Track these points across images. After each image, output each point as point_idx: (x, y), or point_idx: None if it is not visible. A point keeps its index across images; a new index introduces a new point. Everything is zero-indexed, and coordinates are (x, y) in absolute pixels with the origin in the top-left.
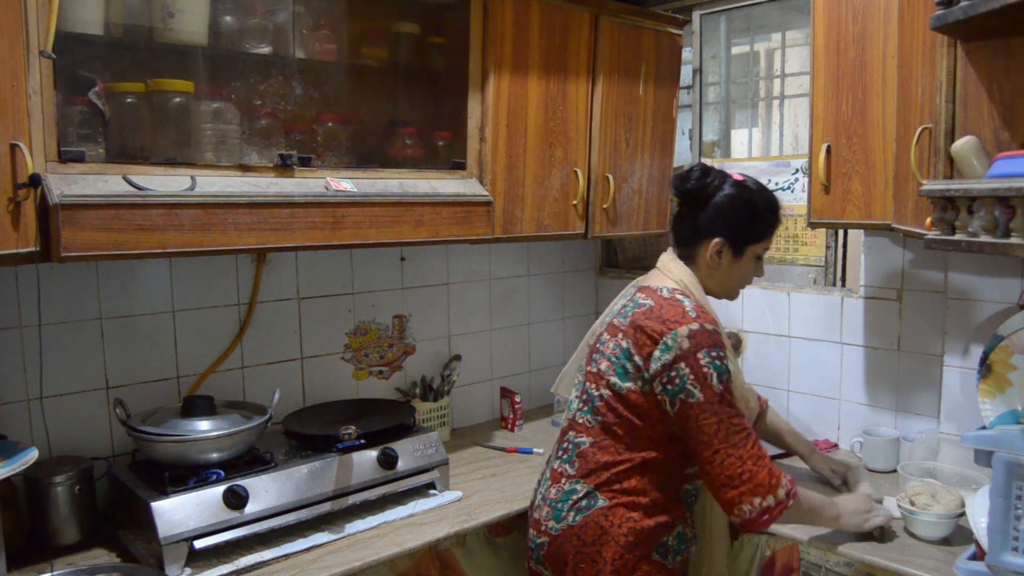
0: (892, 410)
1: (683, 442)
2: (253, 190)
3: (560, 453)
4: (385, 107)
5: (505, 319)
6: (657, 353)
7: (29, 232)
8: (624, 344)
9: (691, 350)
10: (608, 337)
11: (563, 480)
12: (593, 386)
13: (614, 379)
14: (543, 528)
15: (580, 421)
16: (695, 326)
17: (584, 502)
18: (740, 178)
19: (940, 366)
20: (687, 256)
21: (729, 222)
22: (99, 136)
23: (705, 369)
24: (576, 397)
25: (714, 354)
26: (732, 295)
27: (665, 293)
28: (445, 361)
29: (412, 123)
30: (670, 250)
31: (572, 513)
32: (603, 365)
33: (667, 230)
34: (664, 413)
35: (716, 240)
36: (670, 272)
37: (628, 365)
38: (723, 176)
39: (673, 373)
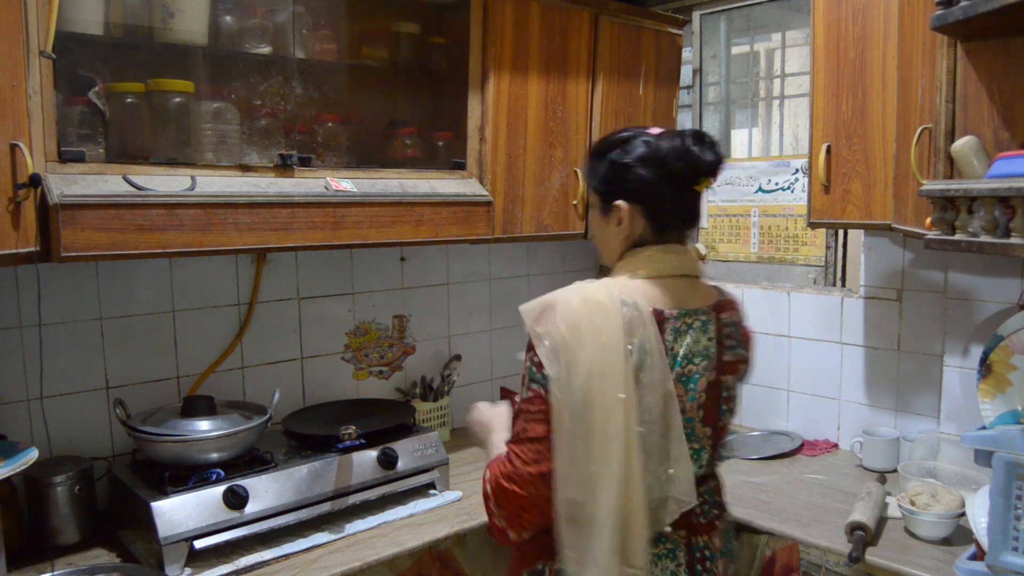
0: (892, 410)
1: None
2: (253, 190)
3: None
4: (385, 107)
5: (505, 319)
6: None
7: (29, 232)
8: None
9: None
10: None
11: None
12: None
13: None
14: None
15: None
16: None
17: None
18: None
19: (940, 366)
20: None
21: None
22: (99, 136)
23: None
24: None
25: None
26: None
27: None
28: (445, 361)
29: (412, 123)
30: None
31: None
32: None
33: None
34: None
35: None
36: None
37: None
38: None
39: None
